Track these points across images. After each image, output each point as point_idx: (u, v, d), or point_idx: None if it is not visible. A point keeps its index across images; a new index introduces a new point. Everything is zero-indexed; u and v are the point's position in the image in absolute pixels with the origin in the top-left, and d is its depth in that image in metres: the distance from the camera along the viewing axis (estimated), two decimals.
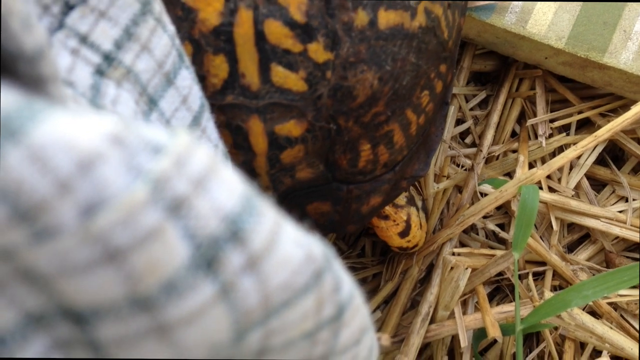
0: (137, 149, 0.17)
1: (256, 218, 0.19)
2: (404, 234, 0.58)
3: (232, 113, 0.43)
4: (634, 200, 0.64)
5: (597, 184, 0.68)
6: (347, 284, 0.24)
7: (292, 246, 0.21)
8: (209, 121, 0.41)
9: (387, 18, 0.42)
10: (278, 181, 0.47)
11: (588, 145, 0.57)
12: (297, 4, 0.40)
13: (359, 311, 0.26)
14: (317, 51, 0.41)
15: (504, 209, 0.67)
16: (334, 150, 0.46)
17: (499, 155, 0.67)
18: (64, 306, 0.18)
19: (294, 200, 0.49)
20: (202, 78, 0.42)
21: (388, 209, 0.57)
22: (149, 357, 0.19)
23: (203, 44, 0.41)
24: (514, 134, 0.69)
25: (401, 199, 0.58)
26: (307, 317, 0.22)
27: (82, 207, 0.16)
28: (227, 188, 0.19)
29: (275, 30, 0.40)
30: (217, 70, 0.41)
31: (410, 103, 0.48)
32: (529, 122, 0.66)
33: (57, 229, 0.16)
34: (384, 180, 0.51)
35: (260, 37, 0.40)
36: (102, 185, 0.16)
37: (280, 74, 0.42)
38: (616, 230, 0.62)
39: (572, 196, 0.64)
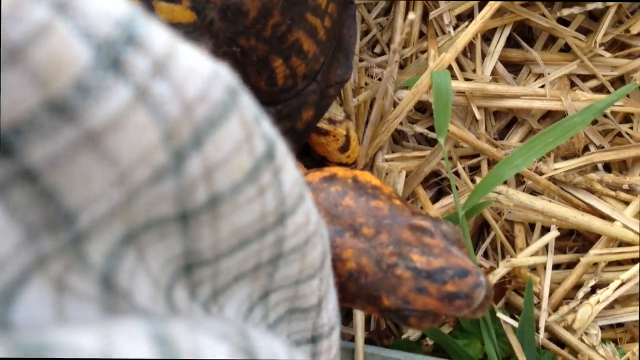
0: None
1: (148, 28, 0.20)
2: (344, 149, 0.59)
3: None
4: (549, 74, 0.65)
5: (513, 67, 0.68)
6: (265, 121, 0.26)
7: (195, 58, 0.21)
8: None
9: None
10: None
11: (487, 15, 0.58)
12: None
13: (288, 160, 0.27)
14: None
15: (429, 111, 0.66)
16: (247, 74, 0.45)
17: (411, 58, 0.67)
18: None
19: None
20: None
21: (327, 126, 0.57)
22: (88, 174, 0.19)
23: None
24: (421, 35, 0.69)
25: (338, 115, 0.58)
26: (240, 147, 0.23)
27: None
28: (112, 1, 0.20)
29: None
30: None
31: (307, 6, 0.47)
32: (432, 14, 0.65)
33: None
34: (308, 92, 0.51)
35: None
36: None
37: (165, 10, 0.40)
38: (538, 104, 0.63)
39: (490, 81, 0.65)
